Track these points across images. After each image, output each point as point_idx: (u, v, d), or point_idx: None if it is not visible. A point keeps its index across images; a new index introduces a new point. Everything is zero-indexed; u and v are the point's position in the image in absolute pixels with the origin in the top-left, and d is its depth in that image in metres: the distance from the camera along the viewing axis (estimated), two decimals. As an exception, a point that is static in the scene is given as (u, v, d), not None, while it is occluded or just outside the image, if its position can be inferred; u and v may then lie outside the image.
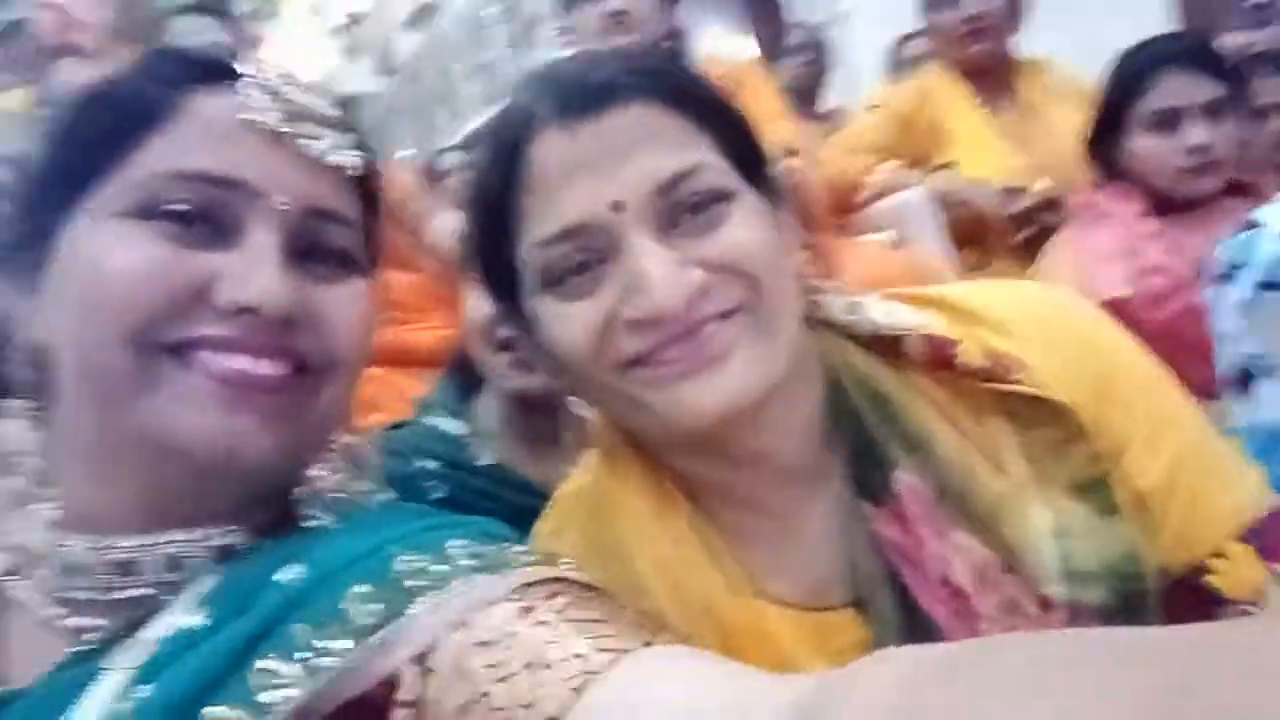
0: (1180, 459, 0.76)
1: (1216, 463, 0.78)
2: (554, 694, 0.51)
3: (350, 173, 0.69)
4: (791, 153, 2.07)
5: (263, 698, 0.54)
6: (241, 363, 0.62)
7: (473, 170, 0.80)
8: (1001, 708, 0.35)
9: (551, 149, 0.72)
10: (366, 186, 0.72)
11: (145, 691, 0.55)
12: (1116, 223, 1.84)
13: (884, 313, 0.81)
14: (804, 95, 3.64)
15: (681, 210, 0.72)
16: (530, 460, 1.42)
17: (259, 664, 0.55)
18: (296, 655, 0.55)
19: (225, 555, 0.64)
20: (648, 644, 0.54)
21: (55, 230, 0.64)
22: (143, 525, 0.63)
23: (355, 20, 8.06)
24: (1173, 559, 0.75)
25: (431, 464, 1.39)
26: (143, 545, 0.63)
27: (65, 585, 0.63)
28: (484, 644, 0.55)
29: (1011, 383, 0.76)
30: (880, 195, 2.26)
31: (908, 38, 3.72)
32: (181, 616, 0.60)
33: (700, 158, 0.73)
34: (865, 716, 0.39)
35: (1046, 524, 0.74)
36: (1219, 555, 0.75)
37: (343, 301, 0.67)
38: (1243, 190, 1.83)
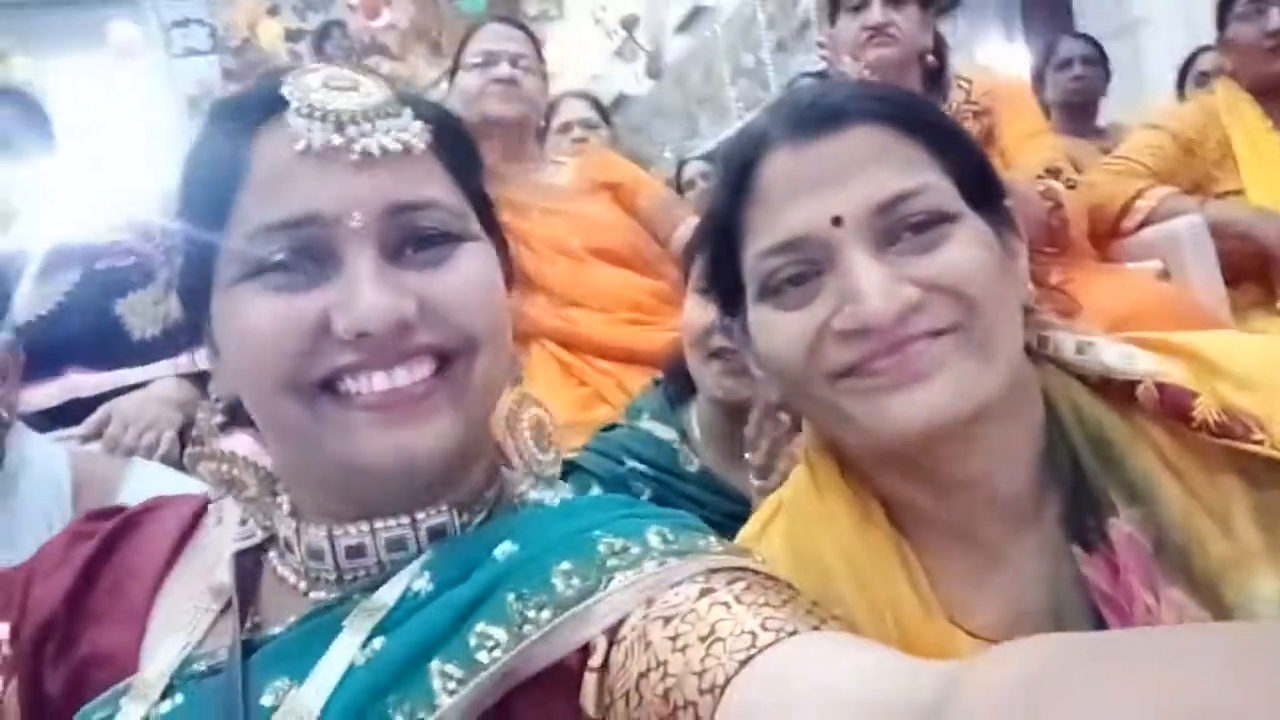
0: None
1: None
2: (722, 665, 0.54)
3: (419, 149, 0.67)
4: (1053, 172, 1.98)
5: (480, 657, 0.61)
6: (380, 381, 0.65)
7: (709, 186, 0.84)
8: (1120, 699, 0.34)
9: (780, 167, 0.76)
10: (451, 150, 0.72)
11: (380, 645, 0.64)
12: None
13: (1118, 356, 0.78)
14: (1082, 109, 3.45)
15: (902, 229, 0.73)
16: (736, 469, 1.42)
17: (477, 626, 0.62)
18: (508, 621, 0.62)
19: (437, 533, 0.71)
20: (816, 628, 0.57)
21: (207, 301, 0.69)
22: (360, 515, 0.70)
23: (629, 23, 8.30)
24: None
25: (642, 466, 1.45)
26: (367, 531, 0.70)
27: (309, 565, 0.72)
28: (666, 618, 0.59)
29: (1252, 443, 0.71)
30: (1150, 222, 2.11)
31: (1202, 50, 3.44)
32: (410, 582, 0.68)
33: (925, 179, 0.74)
34: (984, 694, 0.39)
35: (1273, 593, 0.69)
36: None
37: (455, 280, 0.68)
38: None
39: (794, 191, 0.74)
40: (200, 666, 0.69)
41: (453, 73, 2.30)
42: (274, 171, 0.66)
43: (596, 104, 3.28)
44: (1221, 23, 2.28)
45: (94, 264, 1.83)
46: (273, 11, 7.68)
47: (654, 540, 0.65)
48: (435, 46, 8.11)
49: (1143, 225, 2.13)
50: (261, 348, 0.65)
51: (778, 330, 0.76)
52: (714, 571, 0.62)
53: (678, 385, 1.53)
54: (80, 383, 1.66)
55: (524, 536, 0.68)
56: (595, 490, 1.39)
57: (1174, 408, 0.74)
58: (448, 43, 8.36)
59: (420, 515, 0.70)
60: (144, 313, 1.82)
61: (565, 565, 0.64)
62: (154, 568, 0.76)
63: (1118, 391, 0.77)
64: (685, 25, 7.89)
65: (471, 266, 0.69)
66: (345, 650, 0.64)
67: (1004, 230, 0.78)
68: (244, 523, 0.78)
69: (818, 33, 2.16)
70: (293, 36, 7.58)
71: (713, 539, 0.68)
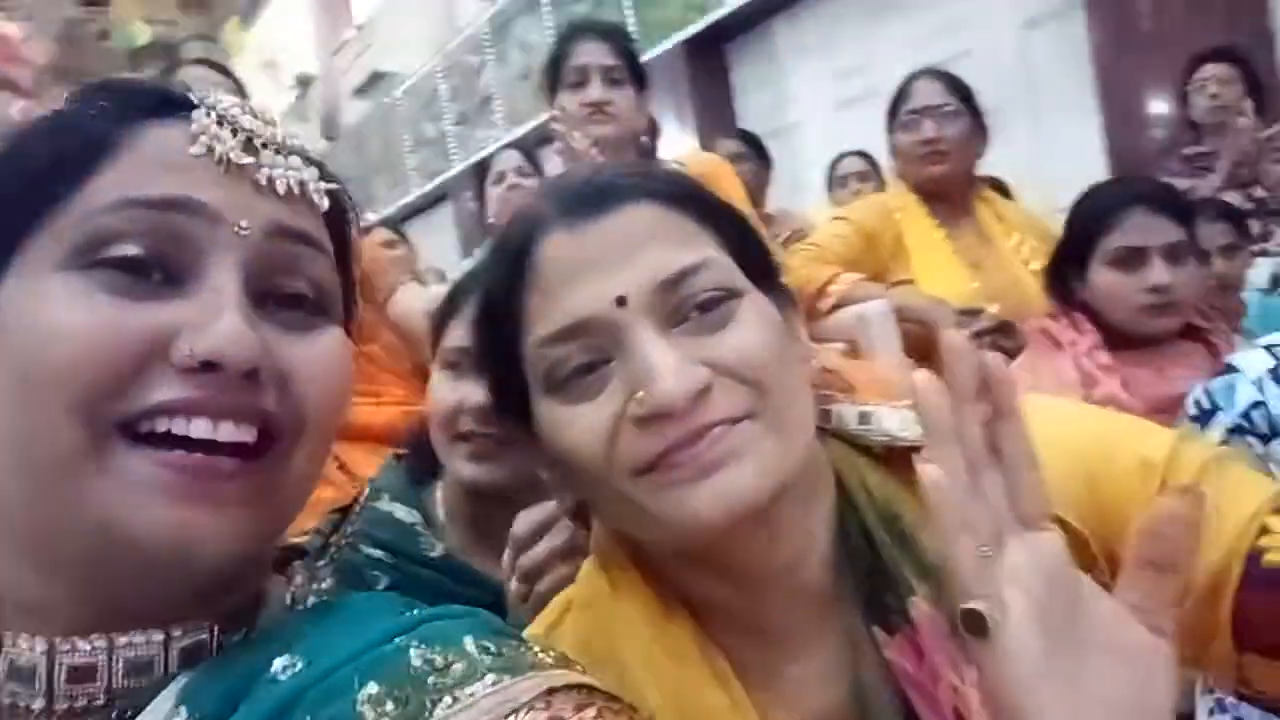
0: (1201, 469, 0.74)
1: (1228, 466, 0.75)
2: None
3: (318, 202, 0.62)
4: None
5: None
6: (202, 428, 0.54)
7: (480, 274, 0.80)
8: None
9: (557, 249, 0.73)
10: (337, 228, 0.66)
11: None
12: (1073, 353, 1.88)
13: (898, 422, 0.79)
14: (750, 197, 3.72)
15: (688, 308, 0.71)
16: (481, 554, 1.35)
17: None
18: None
19: (191, 655, 0.57)
20: None
21: None
22: (94, 624, 0.55)
23: (305, 81, 8.04)
24: (1223, 557, 0.71)
25: (379, 553, 1.33)
26: (105, 648, 0.55)
27: (12, 691, 0.55)
28: None
29: None
30: (842, 304, 2.29)
31: (841, 157, 3.85)
32: None
33: (707, 254, 0.72)
34: None
35: None
36: (1266, 532, 0.71)
37: (314, 354, 0.60)
38: (1193, 333, 1.90)
39: (573, 274, 0.71)
40: None
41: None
42: (155, 158, 0.57)
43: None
44: (890, 129, 2.53)
45: None
46: None
47: (476, 652, 0.55)
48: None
49: (835, 308, 2.30)
50: (65, 356, 0.52)
51: (570, 426, 0.71)
52: (553, 691, 0.53)
53: (420, 463, 1.43)
54: None
55: (306, 647, 0.55)
56: (326, 580, 1.26)
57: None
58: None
59: (176, 632, 0.56)
60: None
61: (373, 688, 0.52)
62: None
63: (900, 460, 0.78)
64: (364, 89, 7.77)
65: (332, 348, 0.61)
66: None
67: (785, 305, 0.79)
68: None
69: (549, 107, 2.16)
70: None
71: (536, 647, 0.58)
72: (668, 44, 6.69)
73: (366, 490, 1.42)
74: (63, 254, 0.54)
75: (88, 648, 0.55)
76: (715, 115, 6.59)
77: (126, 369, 0.53)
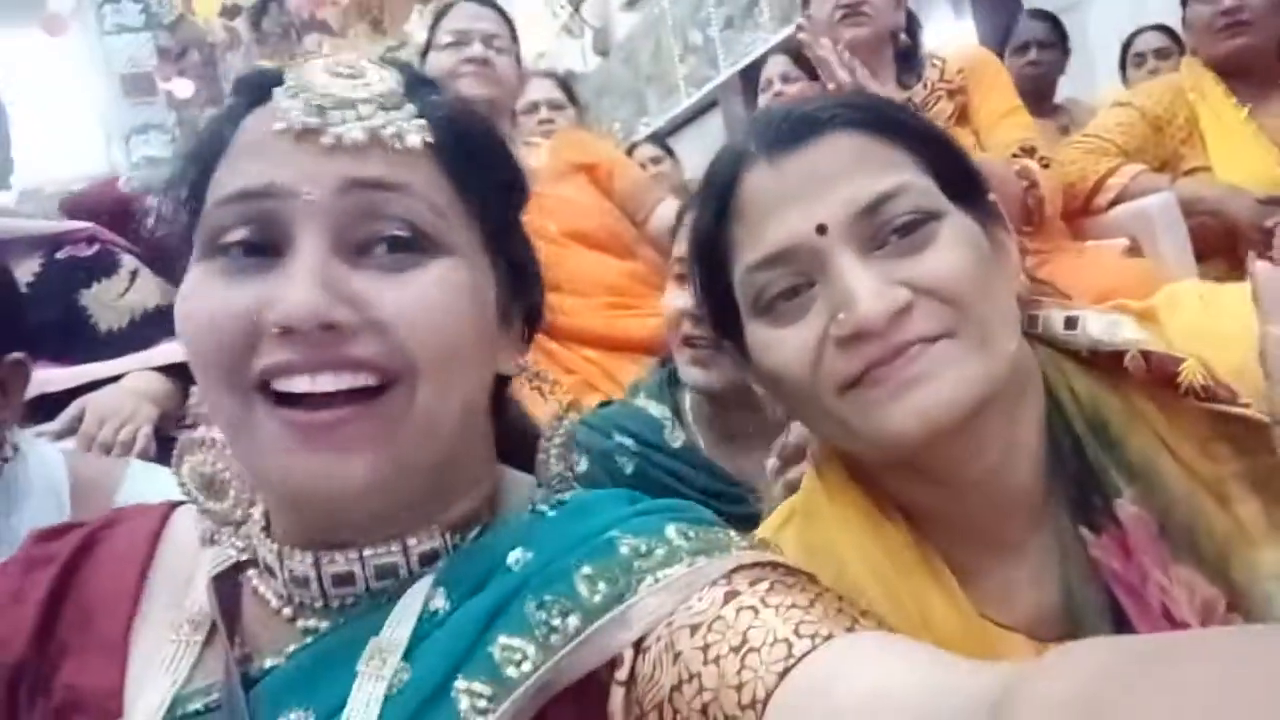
0: None
1: None
2: (761, 678, 0.53)
3: (395, 145, 0.63)
4: (1027, 151, 1.99)
5: (508, 672, 0.58)
6: (302, 384, 0.59)
7: (695, 208, 0.84)
8: (1179, 706, 0.33)
9: (759, 182, 0.76)
10: (458, 152, 0.67)
11: (405, 674, 0.60)
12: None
13: (1104, 326, 0.78)
14: (1039, 90, 3.47)
15: (888, 232, 0.72)
16: (720, 449, 1.48)
17: (500, 639, 0.60)
18: (533, 632, 0.59)
19: (429, 558, 0.67)
20: (849, 630, 0.56)
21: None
22: (350, 536, 0.66)
23: (575, 0, 8.22)
24: None
25: (628, 441, 1.46)
26: (355, 559, 0.66)
27: (295, 593, 0.67)
28: (693, 627, 0.58)
29: (1237, 406, 0.71)
30: (1121, 199, 2.14)
31: (1140, 31, 3.48)
32: (427, 602, 0.64)
33: (905, 179, 0.73)
34: (1043, 709, 0.39)
35: (1275, 566, 0.70)
36: None
37: (412, 294, 0.61)
38: None
39: (776, 204, 0.74)
40: (195, 706, 0.64)
41: (424, 52, 2.24)
42: (249, 146, 0.63)
43: (563, 83, 3.23)
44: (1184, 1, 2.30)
45: (55, 253, 1.76)
46: (209, -13, 7.46)
47: (676, 539, 0.63)
48: (376, 24, 7.97)
49: (1114, 203, 2.16)
50: (200, 335, 0.61)
51: (777, 347, 0.75)
52: (735, 570, 0.61)
53: (674, 366, 1.53)
54: (49, 377, 1.59)
55: (537, 542, 0.65)
56: (583, 463, 1.38)
57: (1160, 375, 0.74)
58: (390, 21, 8.23)
59: (411, 540, 0.66)
60: (110, 304, 1.75)
61: (587, 569, 0.61)
62: (125, 594, 0.70)
63: (1107, 364, 0.77)
64: (633, 2, 7.84)
65: (434, 283, 0.62)
66: (371, 690, 0.60)
67: (989, 224, 0.78)
68: (211, 540, 0.73)
69: (800, 14, 2.13)
70: (229, 12, 7.38)
71: (731, 531, 0.66)
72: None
73: (627, 388, 1.56)
74: (199, 248, 0.63)
75: (343, 559, 0.66)
76: (996, -2, 6.12)
77: (239, 342, 0.60)
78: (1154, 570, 0.72)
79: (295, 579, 0.67)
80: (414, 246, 0.62)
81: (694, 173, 5.14)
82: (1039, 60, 3.38)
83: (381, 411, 0.61)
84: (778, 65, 2.92)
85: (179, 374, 1.71)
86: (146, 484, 1.23)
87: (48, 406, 1.56)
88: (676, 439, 1.48)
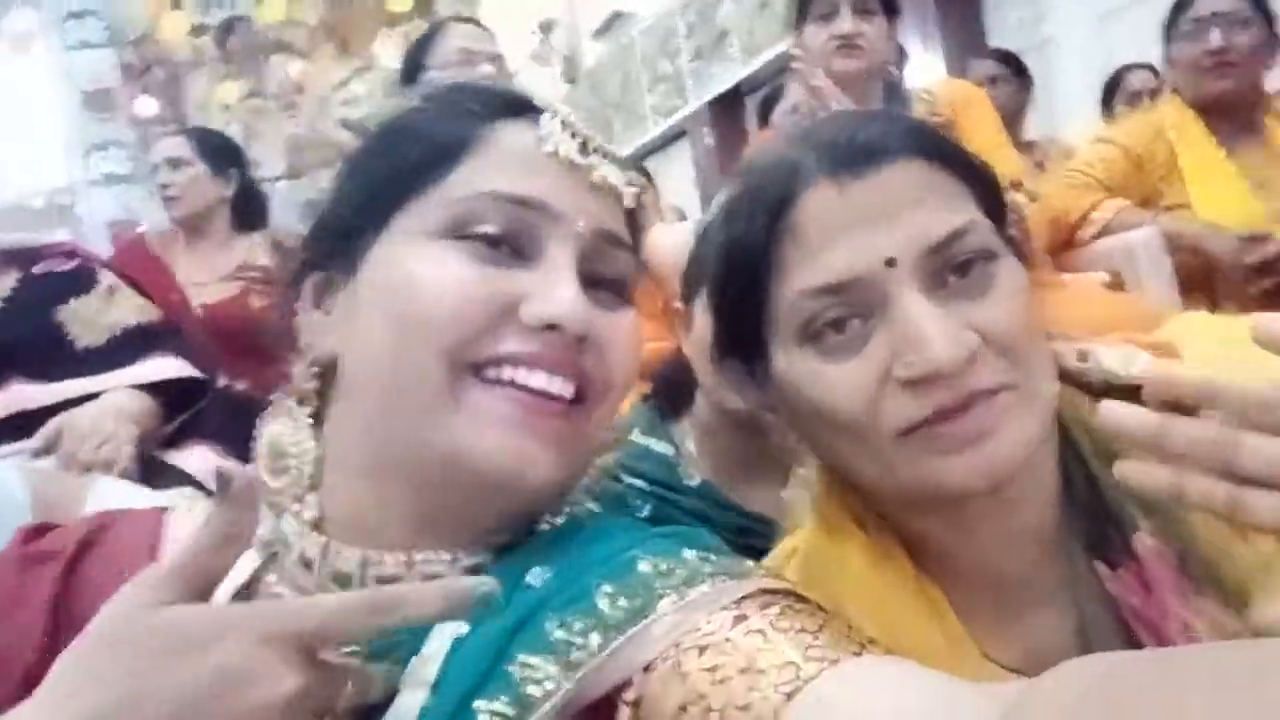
0: None
1: None
2: (767, 699, 0.53)
3: (629, 204, 0.73)
4: (1015, 185, 2.01)
5: (530, 691, 0.57)
6: (540, 380, 0.65)
7: (730, 218, 0.80)
8: (1182, 712, 0.34)
9: (822, 204, 0.72)
10: (634, 220, 0.75)
11: (428, 699, 0.59)
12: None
13: (1118, 360, 0.76)
14: (1006, 125, 3.52)
15: (949, 270, 0.70)
16: (737, 482, 1.42)
17: (519, 657, 0.59)
18: (553, 650, 0.59)
19: (469, 574, 0.66)
20: (857, 655, 0.56)
21: (362, 250, 0.69)
22: (405, 542, 0.66)
23: (547, 27, 8.26)
24: None
25: (639, 482, 1.42)
26: (405, 563, 0.66)
27: (330, 592, 0.65)
28: (701, 648, 0.57)
29: None
30: (1105, 233, 2.16)
31: (1128, 68, 3.55)
32: (453, 627, 0.63)
33: (973, 216, 0.72)
34: (1051, 714, 0.40)
35: None
36: None
37: (620, 328, 0.70)
38: None
39: (840, 230, 0.71)
40: None
41: (409, 73, 2.22)
42: (513, 156, 0.69)
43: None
44: (1168, 39, 2.35)
45: (31, 268, 1.72)
46: (176, 5, 7.40)
47: (695, 561, 0.64)
48: (343, 45, 7.95)
49: (1098, 236, 2.18)
50: (438, 307, 0.64)
51: (828, 383, 0.72)
52: (745, 596, 0.61)
53: (667, 401, 1.50)
54: (26, 394, 1.55)
55: (556, 561, 0.66)
56: (592, 508, 1.35)
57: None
58: (356, 43, 8.21)
59: (460, 554, 0.67)
60: (87, 321, 1.72)
61: (608, 588, 0.61)
62: None
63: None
64: (603, 31, 7.91)
65: (630, 327, 0.71)
66: (411, 701, 0.59)
67: (1024, 262, 0.77)
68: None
69: (791, 43, 2.14)
70: (196, 31, 7.33)
71: (747, 561, 0.67)
72: (911, -40, 6.39)
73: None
74: (436, 225, 0.67)
75: (392, 560, 0.66)
76: (963, 33, 6.25)
77: (486, 322, 0.64)
78: (1176, 605, 0.70)
79: (337, 576, 0.66)
80: (623, 293, 0.72)
81: (664, 200, 5.15)
82: (995, 95, 3.43)
83: (577, 419, 0.67)
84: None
85: (158, 392, 1.67)
86: (111, 500, 1.19)
87: (26, 424, 1.52)
88: (691, 476, 1.43)
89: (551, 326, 0.64)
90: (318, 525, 0.68)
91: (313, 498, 0.69)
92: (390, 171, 0.70)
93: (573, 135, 0.70)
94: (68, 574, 0.69)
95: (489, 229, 0.66)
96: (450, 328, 0.64)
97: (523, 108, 0.72)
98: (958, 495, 0.70)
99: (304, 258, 0.73)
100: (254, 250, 2.61)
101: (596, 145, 0.71)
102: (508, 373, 0.65)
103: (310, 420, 0.71)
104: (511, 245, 0.67)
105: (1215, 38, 2.24)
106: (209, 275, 2.55)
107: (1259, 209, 2.15)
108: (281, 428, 0.71)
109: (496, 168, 0.68)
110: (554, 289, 0.65)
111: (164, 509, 0.76)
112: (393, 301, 0.66)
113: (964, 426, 0.69)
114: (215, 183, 2.63)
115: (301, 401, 0.71)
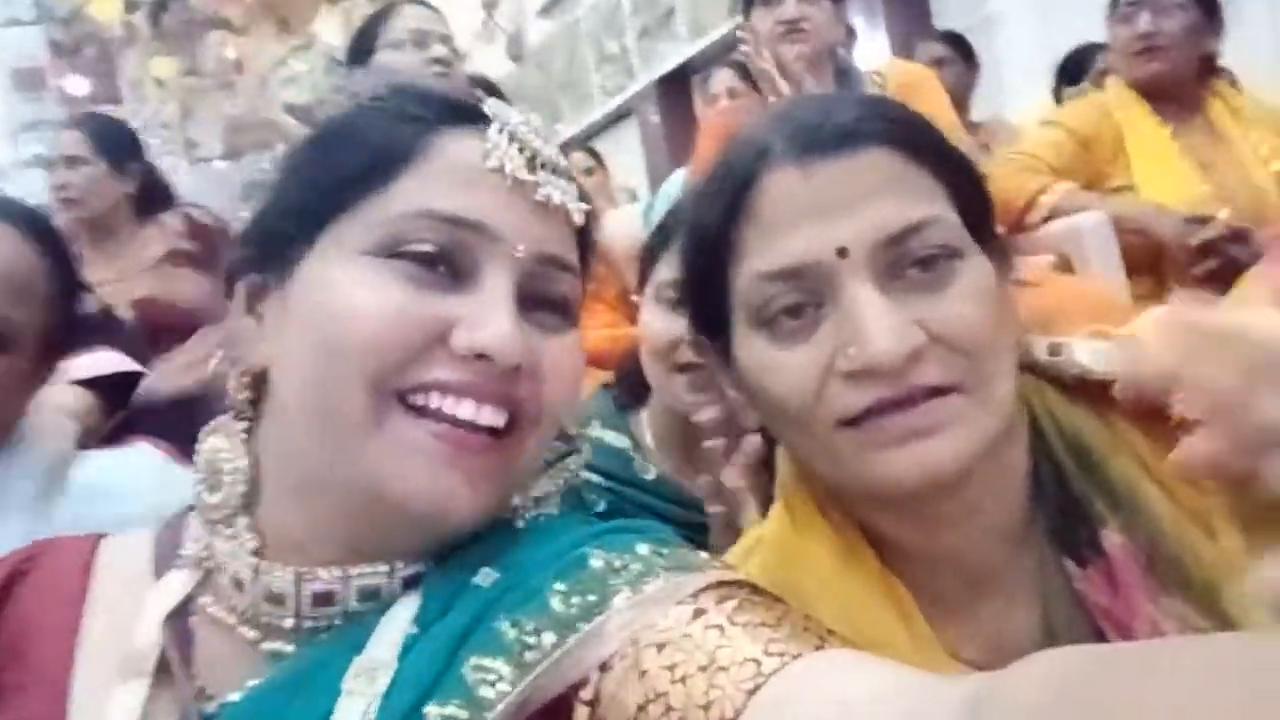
0: None
1: None
2: (729, 697, 0.53)
3: (578, 222, 0.70)
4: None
5: (483, 693, 0.57)
6: (468, 409, 0.63)
7: (698, 198, 0.79)
8: (1147, 707, 0.35)
9: (783, 185, 0.71)
10: (583, 240, 0.73)
11: (376, 700, 0.58)
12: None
13: (1091, 355, 0.76)
14: (954, 107, 3.53)
15: (908, 264, 0.69)
16: (690, 476, 1.40)
17: (471, 660, 0.58)
18: (505, 651, 0.58)
19: (410, 583, 0.66)
20: (818, 648, 0.56)
21: (294, 259, 0.66)
22: (339, 558, 0.65)
23: (490, 4, 8.16)
24: None
25: (595, 476, 1.40)
26: (341, 578, 0.64)
27: (264, 611, 0.65)
28: (659, 645, 0.57)
29: None
30: (1054, 216, 2.17)
31: (1096, 48, 3.55)
32: (399, 630, 0.62)
33: (936, 211, 0.70)
34: (1015, 713, 0.40)
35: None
36: None
37: (561, 353, 0.68)
38: None
39: (798, 215, 0.70)
40: None
41: (357, 52, 2.19)
42: (455, 170, 0.66)
43: (489, 87, 3.17)
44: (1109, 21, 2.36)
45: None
46: (108, -20, 7.18)
47: (649, 555, 0.63)
48: (283, 23, 7.78)
49: (1046, 220, 2.19)
50: (362, 334, 0.62)
51: (777, 369, 0.71)
52: (702, 589, 0.60)
53: (626, 392, 1.49)
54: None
55: (505, 560, 0.65)
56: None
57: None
58: (295, 21, 8.04)
59: (399, 564, 0.65)
60: None
61: (560, 585, 0.61)
62: (61, 629, 0.66)
63: (1092, 392, 0.76)
64: (548, 9, 7.82)
65: (571, 351, 0.70)
66: (354, 708, 0.57)
67: (1001, 263, 0.75)
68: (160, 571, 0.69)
69: (740, 26, 2.12)
70: (130, 7, 7.12)
71: (701, 553, 0.66)
72: (855, -63, 6.38)
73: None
74: (368, 242, 0.64)
75: (327, 576, 0.64)
76: (909, 11, 6.26)
77: (414, 348, 0.62)
78: (1143, 604, 0.70)
79: (270, 595, 0.64)
80: (568, 316, 0.70)
81: (612, 181, 5.11)
82: (942, 78, 3.42)
83: (506, 451, 0.65)
84: (724, 79, 2.88)
85: (99, 388, 1.62)
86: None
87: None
88: (647, 470, 1.43)
89: (482, 356, 0.62)
90: (255, 550, 0.66)
91: (244, 520, 0.67)
92: (328, 180, 0.67)
93: (520, 149, 0.66)
94: None
95: (424, 248, 0.64)
96: (374, 354, 0.62)
97: (470, 115, 0.68)
98: (894, 492, 0.70)
99: (239, 256, 0.71)
100: (168, 234, 2.45)
101: (545, 159, 0.67)
102: (435, 400, 0.62)
103: (245, 434, 0.69)
104: (448, 265, 0.64)
105: (1144, 22, 2.26)
106: (119, 273, 2.40)
107: (1204, 189, 2.17)
108: (218, 442, 0.69)
109: (436, 182, 0.65)
110: (488, 317, 0.63)
111: (100, 536, 0.73)
112: (319, 323, 0.63)
113: (903, 422, 0.68)
114: (116, 181, 2.49)
115: (238, 415, 0.69)
